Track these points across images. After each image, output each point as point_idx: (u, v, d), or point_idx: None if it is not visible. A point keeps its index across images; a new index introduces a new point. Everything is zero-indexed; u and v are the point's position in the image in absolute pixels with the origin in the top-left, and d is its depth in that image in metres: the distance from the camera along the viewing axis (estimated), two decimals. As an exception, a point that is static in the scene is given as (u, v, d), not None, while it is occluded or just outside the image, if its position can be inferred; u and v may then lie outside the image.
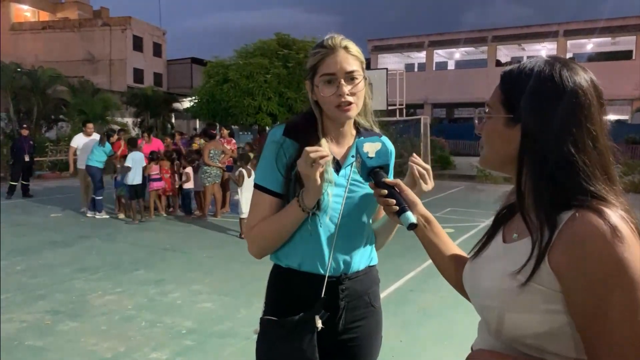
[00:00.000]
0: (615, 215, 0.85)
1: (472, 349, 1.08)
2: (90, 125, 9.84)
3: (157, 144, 10.16)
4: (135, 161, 8.48)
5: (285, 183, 1.46)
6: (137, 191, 8.56)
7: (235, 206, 9.52)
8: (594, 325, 0.84)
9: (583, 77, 0.93)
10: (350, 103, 1.43)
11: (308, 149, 1.33)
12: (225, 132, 9.74)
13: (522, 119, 0.94)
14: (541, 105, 0.92)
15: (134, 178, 8.46)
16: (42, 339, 3.83)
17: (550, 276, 0.88)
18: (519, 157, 0.95)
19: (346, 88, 1.41)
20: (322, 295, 1.45)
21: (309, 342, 1.42)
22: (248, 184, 7.08)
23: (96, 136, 9.56)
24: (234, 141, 9.88)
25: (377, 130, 1.59)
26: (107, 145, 9.31)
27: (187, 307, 4.52)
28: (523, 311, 0.91)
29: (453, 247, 1.26)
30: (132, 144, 8.91)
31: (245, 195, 7.03)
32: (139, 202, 8.69)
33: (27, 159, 11.45)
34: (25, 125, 12.78)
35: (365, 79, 1.48)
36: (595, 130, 0.91)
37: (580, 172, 0.89)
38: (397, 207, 1.21)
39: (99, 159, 9.05)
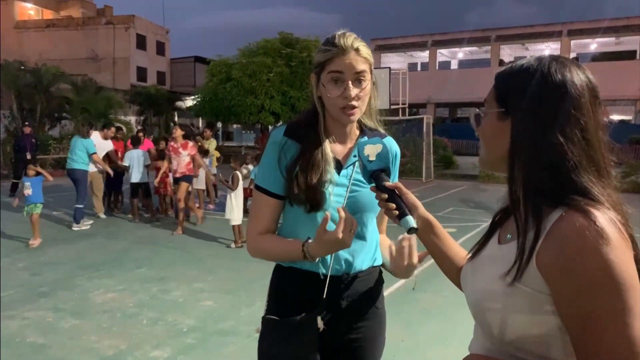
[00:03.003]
0: (603, 216, 0.84)
1: (469, 350, 1.08)
2: (112, 129, 9.15)
3: (147, 145, 9.95)
4: (133, 159, 8.44)
5: (286, 185, 1.46)
6: (144, 190, 8.52)
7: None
8: (582, 327, 0.83)
9: (575, 72, 0.93)
10: (354, 107, 1.42)
11: (344, 239, 1.31)
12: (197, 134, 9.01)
13: (512, 111, 0.96)
14: (529, 96, 0.93)
15: (134, 176, 8.42)
16: (44, 336, 3.84)
17: (538, 278, 0.87)
18: (510, 149, 0.95)
19: (353, 91, 1.40)
20: (324, 296, 1.45)
21: (310, 343, 1.42)
22: (241, 189, 6.80)
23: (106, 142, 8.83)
24: (191, 144, 7.99)
25: (381, 130, 1.58)
26: (89, 140, 8.13)
27: (189, 305, 4.52)
28: (512, 313, 0.91)
29: (456, 248, 1.25)
30: (134, 142, 8.88)
31: (238, 201, 6.73)
32: (135, 201, 8.57)
33: (29, 156, 11.47)
34: (27, 123, 12.79)
35: (372, 80, 1.47)
36: (585, 121, 0.91)
37: (567, 162, 0.89)
38: (398, 212, 1.21)
39: (83, 160, 7.95)
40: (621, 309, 0.81)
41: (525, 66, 0.96)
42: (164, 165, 8.26)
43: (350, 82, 1.40)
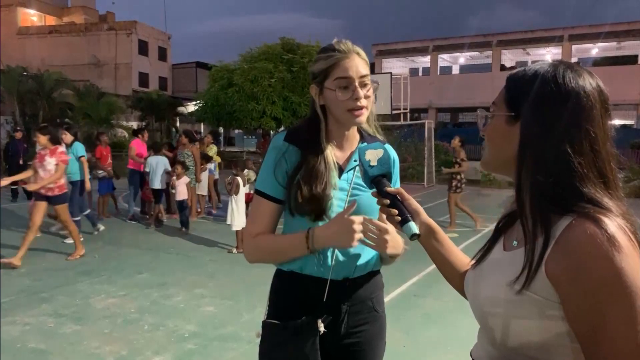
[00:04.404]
0: (613, 224, 0.84)
1: (471, 355, 1.07)
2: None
3: (138, 145, 9.61)
4: (152, 165, 8.47)
5: (285, 190, 1.47)
6: (157, 196, 8.54)
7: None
8: (592, 335, 0.83)
9: (588, 80, 0.92)
10: (363, 107, 1.44)
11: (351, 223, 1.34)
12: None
13: (522, 116, 0.95)
14: (541, 103, 0.92)
15: (155, 182, 8.44)
16: (45, 341, 3.83)
17: (547, 286, 0.87)
18: (518, 155, 0.95)
19: (361, 93, 1.43)
20: (324, 299, 1.46)
21: (311, 346, 1.42)
22: (242, 194, 6.75)
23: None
24: (60, 150, 6.22)
25: (379, 136, 1.59)
26: (75, 145, 7.37)
27: (190, 311, 4.52)
28: (520, 321, 0.90)
29: (458, 253, 1.25)
30: (155, 149, 8.93)
31: (240, 206, 6.69)
32: (156, 207, 8.61)
33: (21, 162, 11.45)
34: (19, 129, 12.73)
35: (374, 84, 1.49)
36: (595, 132, 0.90)
37: (574, 173, 0.88)
38: (400, 217, 1.21)
39: (70, 170, 6.95)
40: (633, 316, 0.80)
41: (539, 72, 0.95)
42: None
43: (357, 85, 1.42)
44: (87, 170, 7.52)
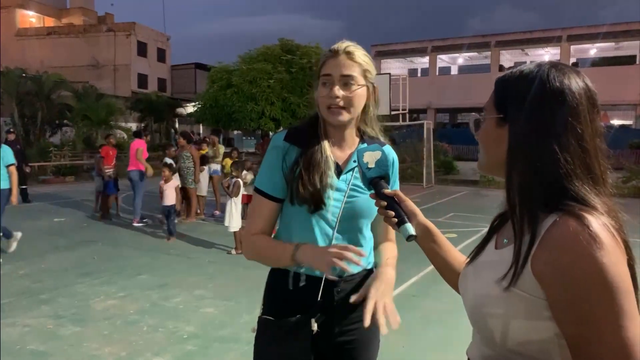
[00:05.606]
0: (597, 221, 0.84)
1: (467, 354, 1.08)
2: None
3: (140, 144, 9.45)
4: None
5: (288, 186, 1.49)
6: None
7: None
8: (578, 332, 0.84)
9: (574, 79, 0.93)
10: (341, 107, 1.45)
11: (333, 252, 1.36)
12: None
13: (509, 117, 0.96)
14: (526, 103, 0.93)
15: None
16: (45, 343, 3.83)
17: (533, 283, 0.88)
18: (508, 156, 0.96)
19: (339, 91, 1.44)
20: (319, 298, 1.48)
21: (304, 344, 1.45)
22: (241, 196, 6.75)
23: None
24: None
25: (381, 138, 1.60)
26: (4, 149, 6.33)
27: (190, 312, 4.52)
28: (509, 319, 0.91)
29: (456, 254, 1.26)
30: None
31: (239, 208, 6.69)
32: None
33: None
34: (12, 130, 12.52)
35: (368, 87, 1.49)
36: (582, 129, 0.91)
37: (561, 170, 0.89)
38: (396, 219, 1.22)
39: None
40: (616, 311, 0.81)
41: (524, 73, 0.96)
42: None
43: (336, 83, 1.44)
44: (15, 181, 6.40)
